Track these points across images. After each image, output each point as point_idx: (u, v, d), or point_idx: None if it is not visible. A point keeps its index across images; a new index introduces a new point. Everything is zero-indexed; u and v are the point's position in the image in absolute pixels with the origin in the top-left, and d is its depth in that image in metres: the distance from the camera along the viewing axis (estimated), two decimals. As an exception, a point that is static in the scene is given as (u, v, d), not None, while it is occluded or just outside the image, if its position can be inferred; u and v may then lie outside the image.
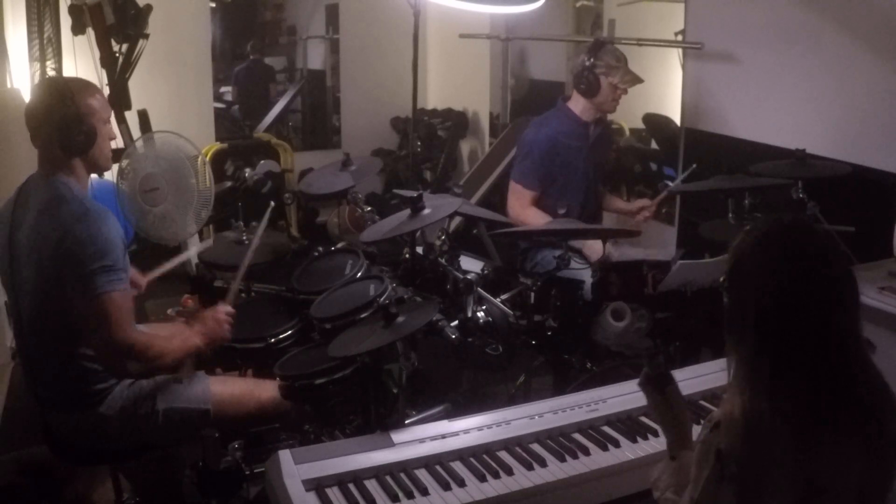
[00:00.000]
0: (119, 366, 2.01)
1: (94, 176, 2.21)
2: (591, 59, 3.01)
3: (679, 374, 2.05)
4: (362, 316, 2.18)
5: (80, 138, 2.02)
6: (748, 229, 1.34)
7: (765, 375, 1.24)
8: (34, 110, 2.05)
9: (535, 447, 1.83)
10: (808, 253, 1.26)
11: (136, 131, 3.91)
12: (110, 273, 1.93)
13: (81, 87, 2.08)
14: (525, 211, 3.12)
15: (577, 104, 3.13)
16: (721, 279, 1.35)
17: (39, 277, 1.98)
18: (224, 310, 2.25)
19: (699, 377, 2.10)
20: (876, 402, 1.26)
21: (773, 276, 1.26)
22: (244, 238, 2.82)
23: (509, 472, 1.74)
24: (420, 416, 2.04)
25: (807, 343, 1.23)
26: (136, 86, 4.01)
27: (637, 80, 3.05)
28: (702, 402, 2.03)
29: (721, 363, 1.90)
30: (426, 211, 2.31)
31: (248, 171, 3.45)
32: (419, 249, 2.59)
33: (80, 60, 4.05)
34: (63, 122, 1.99)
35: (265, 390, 2.25)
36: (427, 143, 5.38)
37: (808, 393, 1.23)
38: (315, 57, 5.73)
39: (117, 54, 3.89)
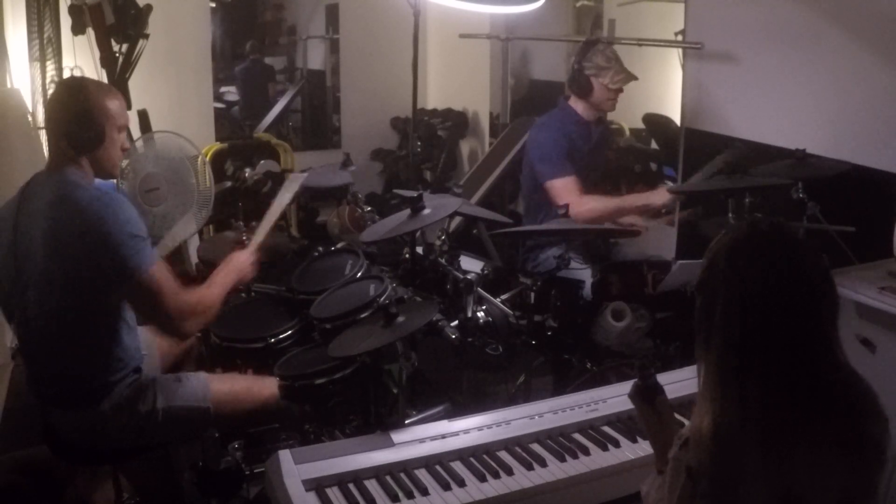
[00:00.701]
0: (182, 331, 2.11)
1: (93, 176, 2.21)
2: (580, 62, 3.00)
3: (678, 375, 2.06)
4: (362, 316, 2.18)
5: (89, 135, 2.03)
6: (724, 232, 1.32)
7: (732, 383, 1.22)
8: (51, 103, 2.12)
9: (535, 447, 1.83)
10: (779, 257, 1.24)
11: (136, 131, 3.91)
12: (145, 248, 1.98)
13: (100, 88, 2.11)
14: (581, 200, 2.97)
15: (579, 104, 3.14)
16: (694, 280, 1.34)
17: (56, 270, 1.98)
18: (251, 252, 2.39)
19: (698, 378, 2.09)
20: (854, 407, 1.23)
21: (743, 279, 1.24)
22: (244, 238, 2.82)
23: (509, 472, 1.74)
24: (420, 416, 2.04)
25: (775, 349, 1.21)
26: (136, 86, 4.01)
27: (629, 78, 3.03)
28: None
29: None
30: (426, 211, 2.31)
31: (248, 171, 3.46)
32: (419, 249, 2.59)
33: (80, 60, 4.05)
34: (73, 116, 2.02)
35: (265, 388, 2.25)
36: (427, 143, 5.38)
37: (779, 400, 1.20)
38: (315, 57, 5.73)
39: (117, 54, 3.88)
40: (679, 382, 1.99)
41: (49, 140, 2.12)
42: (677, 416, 1.63)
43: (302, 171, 2.64)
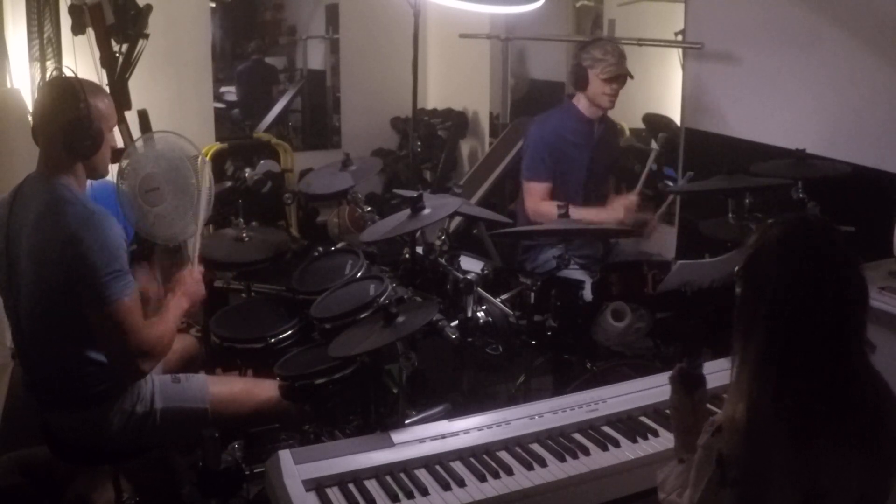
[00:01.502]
0: (135, 369, 1.99)
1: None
2: (579, 54, 3.06)
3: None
4: (362, 316, 2.18)
5: (87, 142, 2.00)
6: (771, 222, 1.33)
7: (772, 375, 1.24)
8: (43, 108, 2.02)
9: (535, 447, 1.83)
10: (828, 252, 1.26)
11: (136, 131, 3.91)
12: (121, 279, 1.93)
13: (93, 89, 2.05)
14: (541, 206, 3.10)
15: (581, 101, 3.15)
16: (736, 269, 1.33)
17: (41, 280, 1.97)
18: (196, 270, 2.30)
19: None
20: (877, 405, 1.25)
21: (793, 270, 1.25)
22: (244, 236, 2.82)
23: (509, 472, 1.74)
24: (420, 416, 2.04)
25: (817, 344, 1.23)
26: (136, 86, 4.01)
27: (620, 69, 3.03)
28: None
29: (721, 363, 1.90)
30: (426, 211, 2.31)
31: (248, 171, 3.44)
32: (419, 249, 2.59)
33: (80, 60, 4.05)
34: (72, 123, 1.97)
35: (264, 390, 2.25)
36: (427, 143, 5.38)
37: (814, 395, 1.22)
38: (315, 57, 5.73)
39: (117, 54, 3.88)
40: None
41: (42, 145, 2.04)
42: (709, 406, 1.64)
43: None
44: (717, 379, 2.05)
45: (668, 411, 1.94)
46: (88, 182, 2.13)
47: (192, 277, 2.27)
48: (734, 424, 1.24)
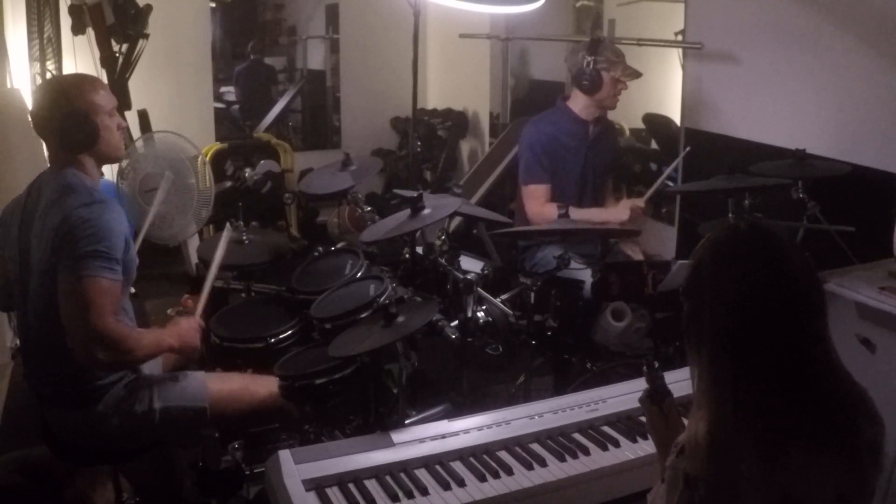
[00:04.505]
0: (89, 354, 1.91)
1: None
2: (592, 56, 3.03)
3: (677, 375, 2.06)
4: (362, 316, 2.18)
5: (81, 136, 2.03)
6: (708, 235, 1.31)
7: (727, 388, 1.21)
8: (36, 113, 2.07)
9: (535, 447, 1.83)
10: (763, 259, 1.23)
11: (136, 131, 3.91)
12: (102, 259, 1.91)
13: (79, 83, 2.08)
14: (544, 208, 3.09)
15: (578, 103, 3.14)
16: (680, 287, 1.32)
17: (43, 267, 1.99)
18: (196, 320, 2.24)
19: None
20: (848, 410, 1.23)
21: (727, 283, 1.23)
22: (244, 238, 2.82)
23: (509, 472, 1.74)
24: (420, 416, 2.04)
25: (765, 352, 1.20)
26: (136, 86, 4.02)
27: (637, 73, 3.08)
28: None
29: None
30: (426, 211, 2.31)
31: (248, 171, 3.45)
32: (419, 249, 2.59)
33: (80, 60, 4.06)
34: (62, 122, 2.00)
35: (262, 387, 2.25)
36: (427, 143, 5.38)
37: (772, 403, 1.20)
38: (315, 57, 5.73)
39: (117, 54, 3.89)
40: (678, 382, 1.99)
41: (46, 146, 2.11)
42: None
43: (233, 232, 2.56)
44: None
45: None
46: None
47: (190, 325, 2.20)
48: (697, 443, 1.22)
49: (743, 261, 1.24)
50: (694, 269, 1.29)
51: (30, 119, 2.07)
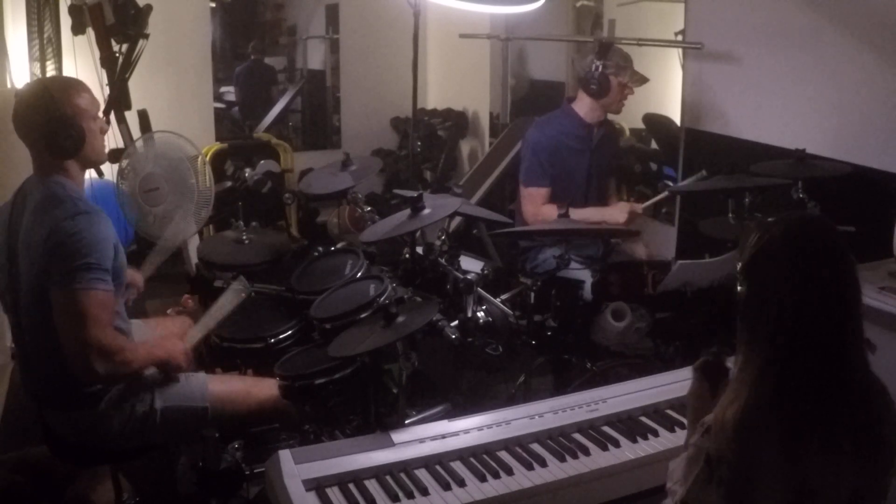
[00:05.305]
0: (87, 367, 1.90)
1: (94, 176, 2.21)
2: (601, 61, 3.03)
3: (678, 375, 2.06)
4: (362, 316, 2.18)
5: (69, 142, 2.01)
6: (773, 220, 1.31)
7: (774, 375, 1.23)
8: (20, 116, 2.03)
9: (535, 447, 1.83)
10: (832, 252, 1.25)
11: (136, 131, 3.91)
12: (94, 271, 1.90)
13: (64, 87, 2.05)
14: (541, 210, 3.10)
15: (583, 106, 3.14)
16: (738, 268, 1.32)
17: (32, 276, 1.98)
18: (186, 348, 2.20)
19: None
20: (872, 408, 1.25)
21: (800, 270, 1.24)
22: (244, 238, 2.82)
23: (509, 472, 1.73)
24: (420, 416, 2.04)
25: (821, 345, 1.22)
26: (136, 86, 4.01)
27: (644, 79, 3.09)
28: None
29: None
30: (426, 211, 2.31)
31: (248, 171, 3.45)
32: (419, 249, 2.59)
33: (80, 60, 4.05)
34: (48, 126, 1.98)
35: (263, 389, 2.25)
36: (427, 143, 5.38)
37: (811, 397, 1.22)
38: (315, 57, 5.73)
39: (117, 54, 3.88)
40: (679, 383, 1.99)
41: (30, 151, 2.06)
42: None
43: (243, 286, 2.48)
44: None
45: (668, 411, 1.95)
46: (88, 182, 2.14)
47: (178, 347, 2.17)
48: (723, 425, 1.23)
49: (814, 250, 1.25)
50: (759, 252, 1.29)
51: (12, 124, 2.04)
